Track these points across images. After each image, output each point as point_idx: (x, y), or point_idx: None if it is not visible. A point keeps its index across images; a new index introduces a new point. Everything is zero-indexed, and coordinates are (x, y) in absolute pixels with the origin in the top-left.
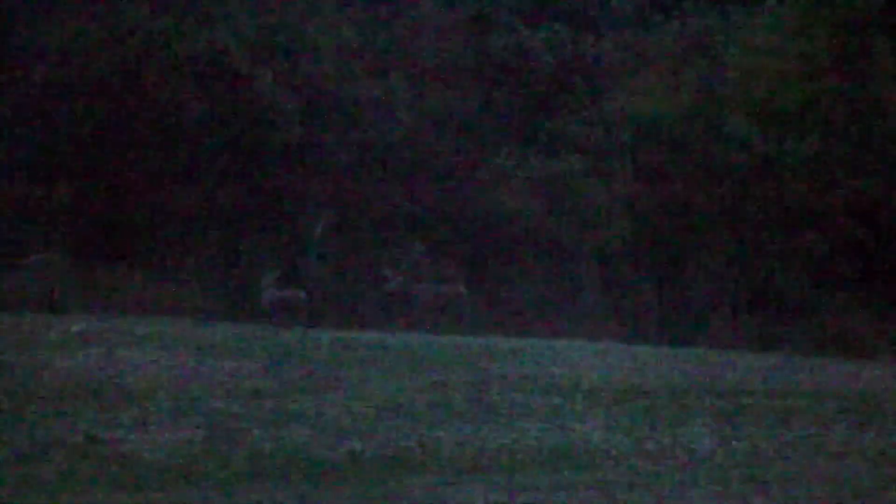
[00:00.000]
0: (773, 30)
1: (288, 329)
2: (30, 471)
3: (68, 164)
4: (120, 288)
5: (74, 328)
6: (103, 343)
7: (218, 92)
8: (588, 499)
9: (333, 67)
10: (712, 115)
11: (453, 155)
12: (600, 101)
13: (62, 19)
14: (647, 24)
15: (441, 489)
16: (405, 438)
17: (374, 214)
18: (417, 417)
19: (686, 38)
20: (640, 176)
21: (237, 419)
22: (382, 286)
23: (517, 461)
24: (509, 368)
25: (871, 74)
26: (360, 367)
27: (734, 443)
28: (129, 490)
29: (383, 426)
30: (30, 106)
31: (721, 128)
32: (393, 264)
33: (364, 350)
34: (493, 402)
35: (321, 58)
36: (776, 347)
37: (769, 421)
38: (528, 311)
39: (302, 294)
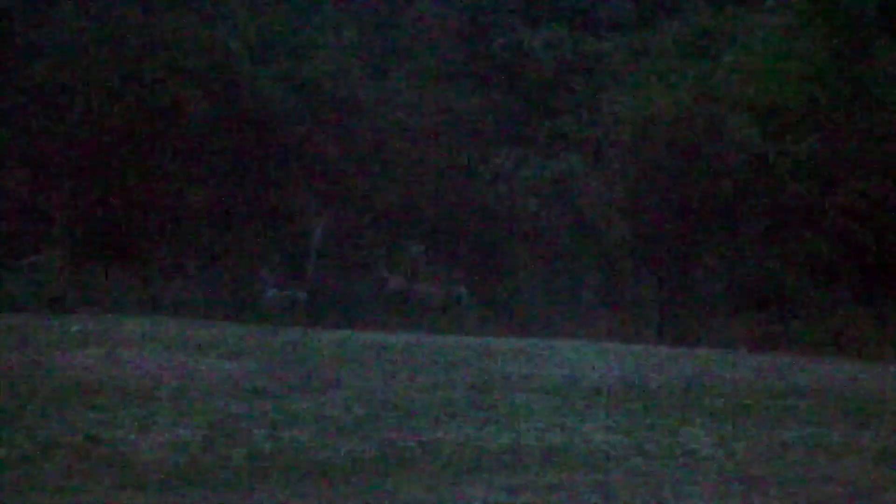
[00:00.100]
0: (772, 30)
1: (288, 329)
2: (30, 471)
3: (68, 163)
4: (120, 288)
5: (74, 328)
6: (103, 343)
7: (218, 92)
8: (588, 499)
9: (333, 67)
10: (712, 115)
11: (453, 155)
12: (600, 101)
13: (62, 19)
14: (647, 24)
15: (441, 489)
16: (405, 438)
17: (373, 214)
18: (417, 417)
19: (686, 38)
20: (640, 176)
21: (237, 419)
22: (382, 286)
23: (517, 461)
24: (509, 368)
25: (871, 74)
26: (360, 367)
27: (734, 443)
28: (129, 490)
29: (383, 426)
30: (30, 106)
31: (720, 128)
32: (392, 264)
33: (364, 350)
34: (493, 402)
35: (321, 58)
36: (776, 347)
37: (769, 421)
38: (528, 311)
39: (302, 294)
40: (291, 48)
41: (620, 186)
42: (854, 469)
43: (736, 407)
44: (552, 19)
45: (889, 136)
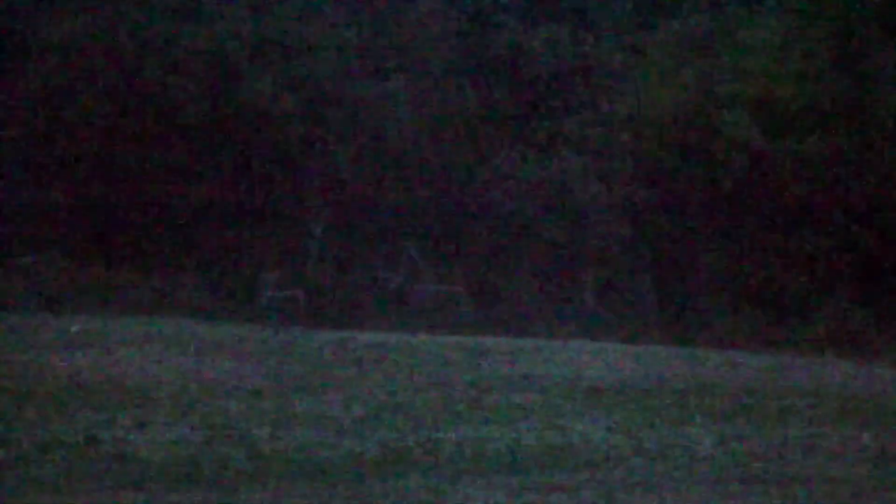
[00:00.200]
0: (772, 30)
1: (288, 329)
2: (30, 471)
3: (68, 163)
4: (120, 288)
5: (74, 328)
6: (103, 343)
7: (218, 92)
8: (588, 499)
9: (333, 67)
10: (712, 115)
11: (453, 155)
12: (600, 101)
13: (62, 19)
14: (646, 24)
15: (441, 489)
16: (405, 438)
17: (373, 214)
18: (417, 417)
19: (686, 38)
20: (640, 176)
21: (237, 419)
22: (382, 286)
23: (517, 461)
24: (509, 368)
25: (871, 74)
26: (360, 367)
27: (734, 443)
28: (129, 490)
29: (383, 426)
30: (30, 106)
31: (721, 127)
32: (392, 264)
33: (364, 350)
34: (493, 402)
35: (321, 58)
36: (776, 347)
37: (769, 421)
38: (528, 311)
39: (302, 294)
40: (291, 48)
41: (620, 186)
42: (854, 469)
43: (736, 407)
44: (552, 19)
45: (889, 136)
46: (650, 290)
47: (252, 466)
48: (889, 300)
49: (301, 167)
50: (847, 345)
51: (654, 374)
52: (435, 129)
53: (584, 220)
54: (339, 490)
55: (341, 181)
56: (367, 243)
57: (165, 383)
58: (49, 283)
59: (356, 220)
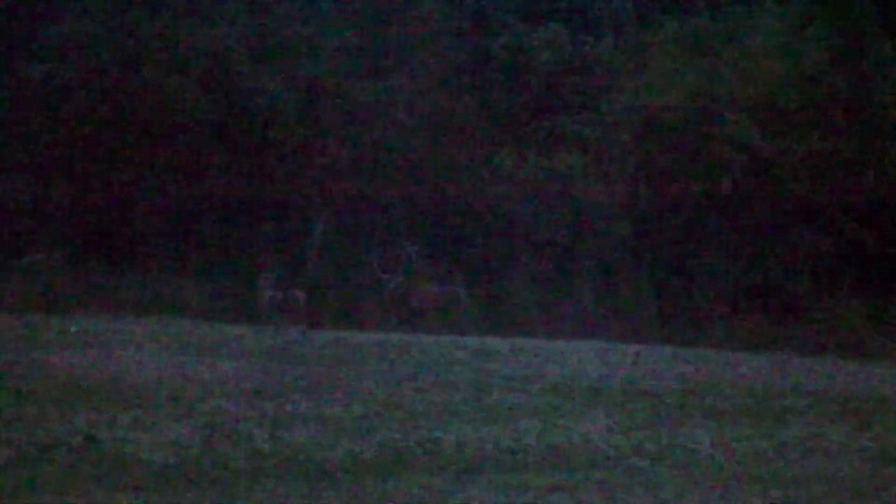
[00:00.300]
0: (772, 30)
1: (288, 329)
2: (30, 471)
3: (68, 163)
4: (120, 288)
5: (74, 328)
6: (103, 343)
7: (218, 92)
8: (588, 499)
9: (333, 67)
10: (712, 115)
11: (453, 155)
12: (600, 101)
13: (62, 19)
14: (647, 24)
15: (441, 489)
16: (405, 438)
17: (373, 214)
18: (417, 417)
19: (686, 38)
20: (640, 176)
21: (237, 419)
22: (381, 286)
23: (517, 461)
24: (509, 368)
25: (871, 74)
26: (360, 367)
27: (734, 443)
28: (129, 490)
29: (383, 426)
30: (29, 106)
31: (721, 128)
32: (392, 264)
33: (364, 350)
34: (493, 402)
35: (321, 58)
36: (776, 347)
37: (769, 421)
38: (528, 311)
39: (302, 294)
40: (291, 48)
41: (620, 186)
42: (854, 469)
43: (736, 407)
44: (552, 19)
45: (889, 136)
46: (650, 291)
47: (252, 466)
48: (889, 300)
49: (301, 167)
50: (847, 345)
51: (654, 374)
52: (435, 129)
53: (584, 220)
54: (339, 490)
55: (341, 181)
56: (367, 243)
57: (165, 383)
58: (48, 283)
59: (356, 219)
